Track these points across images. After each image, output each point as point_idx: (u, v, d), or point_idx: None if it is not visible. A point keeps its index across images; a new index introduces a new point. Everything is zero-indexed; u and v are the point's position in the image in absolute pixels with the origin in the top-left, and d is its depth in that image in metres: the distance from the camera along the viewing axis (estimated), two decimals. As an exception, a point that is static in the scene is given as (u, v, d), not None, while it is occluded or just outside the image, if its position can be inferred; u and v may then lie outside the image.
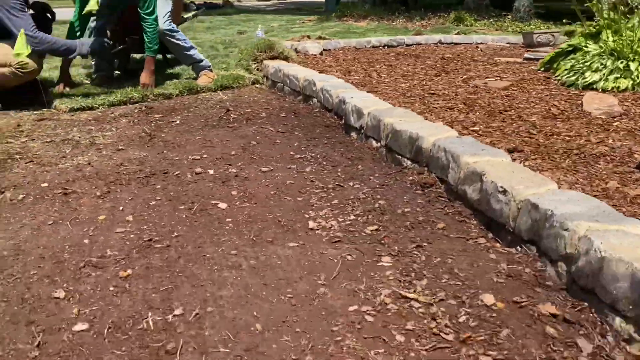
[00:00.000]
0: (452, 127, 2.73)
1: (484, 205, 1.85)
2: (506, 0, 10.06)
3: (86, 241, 1.79)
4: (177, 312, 1.39)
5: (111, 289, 1.50)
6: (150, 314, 1.38)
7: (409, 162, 2.47)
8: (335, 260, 1.66)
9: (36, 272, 1.60)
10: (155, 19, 4.04)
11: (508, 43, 6.87)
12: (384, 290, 1.48)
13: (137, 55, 5.25)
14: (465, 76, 4.41)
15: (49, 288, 1.51)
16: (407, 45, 6.96)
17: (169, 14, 4.28)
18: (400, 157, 2.53)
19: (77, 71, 4.84)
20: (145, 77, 4.12)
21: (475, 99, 3.49)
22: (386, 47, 6.84)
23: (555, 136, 2.66)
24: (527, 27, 8.34)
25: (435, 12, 10.79)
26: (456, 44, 6.95)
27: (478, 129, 2.85)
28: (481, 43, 6.93)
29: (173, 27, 4.31)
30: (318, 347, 1.25)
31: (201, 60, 4.46)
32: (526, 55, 5.33)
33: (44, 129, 3.24)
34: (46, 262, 1.65)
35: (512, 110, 3.18)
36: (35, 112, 3.63)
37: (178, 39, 4.31)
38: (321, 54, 6.01)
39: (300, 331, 1.31)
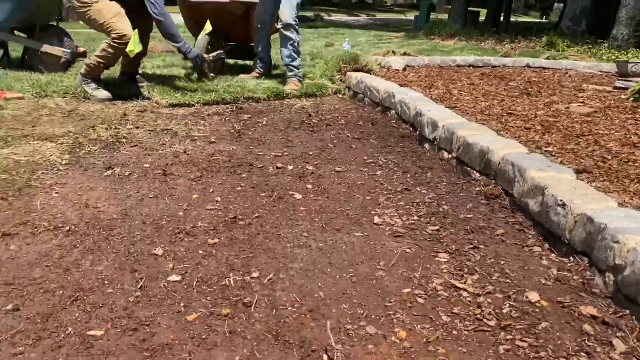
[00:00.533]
0: (525, 145, 2.81)
1: (543, 217, 1.94)
2: (604, 27, 9.73)
3: (181, 213, 2.08)
4: (254, 275, 1.61)
5: (200, 252, 1.76)
6: (231, 274, 1.62)
7: (477, 174, 2.58)
8: (395, 252, 1.83)
9: (139, 233, 1.89)
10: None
11: (600, 71, 6.68)
12: (436, 279, 1.63)
13: (231, 61, 5.66)
14: (548, 100, 4.40)
15: (150, 246, 1.79)
16: (492, 66, 6.95)
17: (297, 5, 4.63)
18: (469, 168, 2.65)
19: (177, 71, 5.31)
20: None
21: (554, 122, 3.51)
22: (471, 67, 6.86)
23: (630, 163, 2.66)
24: (624, 56, 8.05)
25: (526, 36, 10.60)
26: (544, 68, 6.85)
27: (551, 149, 2.89)
28: (571, 69, 6.79)
29: (297, 22, 4.67)
30: (372, 316, 1.43)
31: (297, 68, 4.77)
32: (616, 83, 5.20)
33: (146, 120, 3.63)
34: (147, 227, 1.94)
35: (590, 136, 3.18)
36: (139, 104, 4.05)
37: (294, 38, 4.66)
38: (404, 69, 6.15)
39: (357, 303, 1.49)
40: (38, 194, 2.20)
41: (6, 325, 1.36)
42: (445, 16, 18.47)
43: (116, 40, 3.95)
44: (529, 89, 4.95)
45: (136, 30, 3.94)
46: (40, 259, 1.69)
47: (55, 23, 5.35)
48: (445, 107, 3.71)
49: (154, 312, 1.43)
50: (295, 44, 4.72)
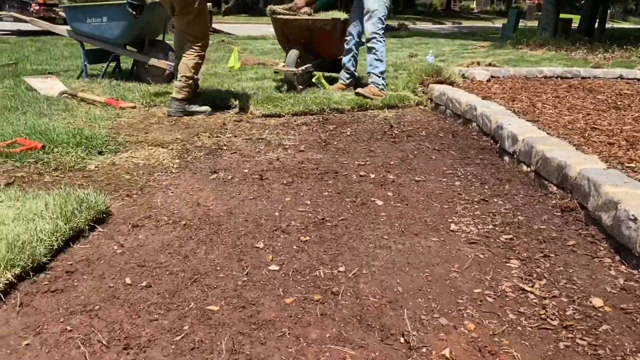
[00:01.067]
0: (607, 162, 2.86)
1: (615, 230, 2.03)
2: None
3: (277, 214, 2.36)
4: (340, 269, 1.86)
5: (294, 247, 2.03)
6: (321, 267, 1.87)
7: (554, 188, 2.68)
8: (469, 256, 2.00)
9: (243, 229, 2.20)
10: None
11: (702, 83, 6.34)
12: (506, 282, 1.79)
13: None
14: (637, 114, 4.32)
15: (252, 240, 2.09)
16: (582, 77, 6.78)
17: (380, 17, 4.95)
18: (547, 182, 2.75)
19: (269, 83, 5.70)
20: None
21: (640, 137, 3.49)
22: (559, 78, 6.74)
23: None
24: None
25: (621, 45, 10.16)
26: (639, 80, 6.61)
27: (634, 165, 2.91)
28: (668, 81, 6.50)
29: (380, 34, 4.98)
30: (444, 310, 1.62)
31: (378, 76, 5.03)
32: None
33: (243, 129, 4.00)
34: (249, 224, 2.25)
35: (678, 152, 3.15)
36: (235, 114, 4.45)
37: (377, 48, 4.98)
38: (488, 80, 6.18)
39: (432, 298, 1.69)
40: (157, 193, 2.58)
41: (143, 298, 1.69)
42: (535, 23, 17.95)
43: (204, 49, 4.27)
44: (618, 103, 4.85)
45: (236, 47, 4.33)
46: (164, 247, 2.03)
47: (161, 38, 5.94)
48: (527, 120, 3.78)
49: (258, 294, 1.71)
50: (378, 53, 4.99)
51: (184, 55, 4.26)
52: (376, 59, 5.04)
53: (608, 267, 1.89)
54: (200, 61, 4.30)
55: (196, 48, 4.24)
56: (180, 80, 4.25)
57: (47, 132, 3.23)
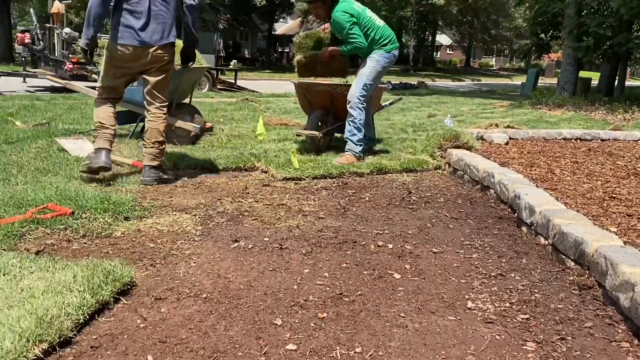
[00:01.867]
0: (625, 235, 2.86)
1: (633, 312, 2.03)
2: None
3: (295, 287, 2.41)
4: (357, 350, 1.89)
5: (312, 325, 2.07)
6: (338, 347, 1.90)
7: (572, 263, 2.68)
8: (486, 337, 2.01)
9: (261, 303, 2.24)
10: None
11: None
12: (522, 368, 1.79)
13: (338, 135, 6.14)
14: (657, 181, 4.32)
15: (270, 316, 2.13)
16: (602, 140, 6.81)
17: (370, 84, 5.10)
18: (564, 257, 2.76)
19: (290, 145, 5.85)
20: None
21: (660, 208, 3.48)
22: (578, 140, 6.78)
23: None
24: None
25: (641, 105, 10.22)
26: (659, 142, 6.62)
27: (653, 239, 2.91)
28: (690, 144, 6.49)
29: (362, 100, 5.09)
30: (459, 398, 1.63)
31: (355, 144, 5.10)
32: None
33: (264, 193, 4.10)
34: (268, 297, 2.30)
35: (700, 225, 3.13)
36: (257, 178, 4.57)
37: (354, 115, 5.08)
38: (506, 143, 6.26)
39: (447, 384, 1.70)
40: (180, 263, 2.66)
41: (163, 376, 1.73)
42: (554, 81, 18.09)
43: (165, 108, 4.31)
44: (637, 167, 4.86)
45: (262, 117, 4.50)
46: (185, 321, 2.08)
47: (189, 101, 6.19)
48: (546, 189, 3.82)
49: (275, 376, 1.74)
50: (357, 120, 5.07)
51: (153, 119, 4.22)
52: (355, 127, 5.11)
53: (626, 353, 1.88)
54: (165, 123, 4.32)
55: (164, 109, 4.32)
56: (153, 147, 4.18)
57: (76, 197, 3.36)
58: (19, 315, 1.88)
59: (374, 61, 5.10)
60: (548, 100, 11.48)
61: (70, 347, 1.89)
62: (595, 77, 15.69)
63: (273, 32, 37.71)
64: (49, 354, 1.82)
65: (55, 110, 8.07)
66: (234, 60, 19.98)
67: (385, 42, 5.12)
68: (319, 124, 5.52)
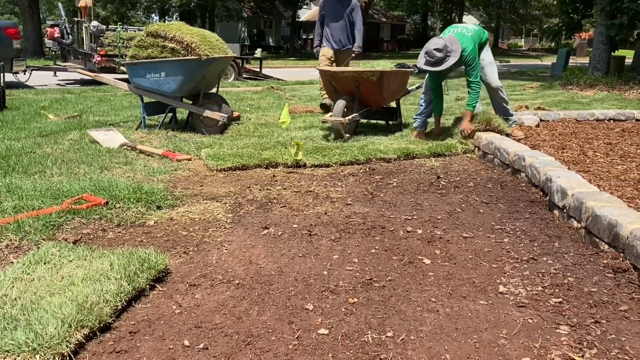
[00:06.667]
0: (661, 217, 2.79)
1: (671, 296, 1.99)
2: None
3: (325, 272, 2.44)
4: (388, 334, 1.90)
5: (343, 309, 2.09)
6: (369, 332, 1.92)
7: (606, 246, 2.64)
8: (518, 321, 2.00)
9: (292, 289, 2.28)
10: (479, 82, 5.10)
11: None
12: (555, 351, 1.78)
13: (364, 120, 6.12)
14: (695, 161, 4.19)
15: (302, 301, 2.16)
16: (636, 120, 6.63)
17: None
18: (598, 240, 2.71)
19: (316, 132, 5.86)
20: (465, 124, 5.18)
21: (698, 189, 3.38)
22: (611, 120, 6.61)
23: None
24: None
25: (678, 83, 9.87)
26: (696, 121, 6.40)
27: (692, 221, 2.83)
28: None
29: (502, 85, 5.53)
30: (492, 381, 1.63)
31: (512, 115, 5.56)
32: None
33: (292, 181, 4.12)
34: (299, 283, 2.33)
35: None
36: (284, 165, 4.58)
37: (503, 94, 5.53)
38: (537, 125, 6.14)
39: (479, 367, 1.70)
40: (212, 250, 2.71)
41: (199, 360, 1.78)
42: (586, 60, 17.62)
43: None
44: (675, 149, 4.72)
45: (287, 105, 4.52)
46: (219, 307, 2.13)
47: (215, 91, 6.24)
48: (578, 171, 3.74)
49: (309, 359, 1.77)
50: (504, 97, 5.62)
51: None
52: (507, 100, 5.66)
53: (664, 337, 1.85)
54: None
55: None
56: None
57: (110, 187, 3.45)
58: (60, 302, 1.95)
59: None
60: (579, 80, 11.17)
61: (110, 332, 1.95)
62: (629, 55, 15.17)
63: (297, 19, 37.54)
64: (90, 339, 1.88)
65: (86, 103, 8.23)
66: (258, 49, 19.94)
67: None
68: (345, 110, 5.50)
